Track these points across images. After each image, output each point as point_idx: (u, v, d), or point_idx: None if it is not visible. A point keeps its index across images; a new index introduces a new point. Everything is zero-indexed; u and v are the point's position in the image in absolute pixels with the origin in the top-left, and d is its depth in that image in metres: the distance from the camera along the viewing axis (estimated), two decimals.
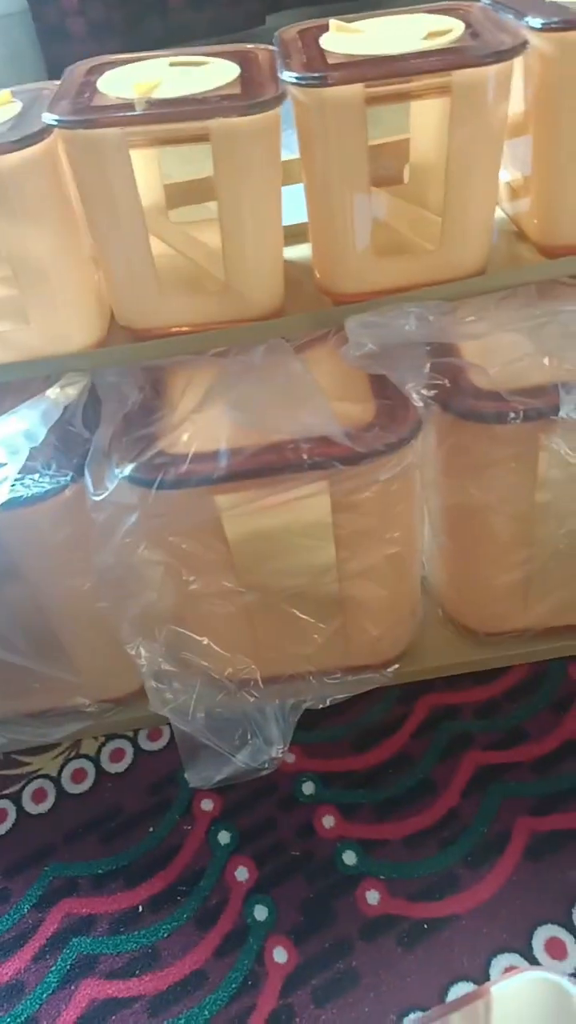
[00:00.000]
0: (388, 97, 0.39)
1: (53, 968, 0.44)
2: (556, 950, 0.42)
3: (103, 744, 0.54)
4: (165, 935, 0.45)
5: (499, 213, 0.48)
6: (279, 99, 0.36)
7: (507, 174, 0.46)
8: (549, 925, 0.43)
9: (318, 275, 0.43)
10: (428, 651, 0.55)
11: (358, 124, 0.37)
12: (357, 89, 0.35)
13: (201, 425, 0.42)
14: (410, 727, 0.53)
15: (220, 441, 0.41)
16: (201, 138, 0.37)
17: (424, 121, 0.44)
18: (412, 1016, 0.32)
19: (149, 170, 0.45)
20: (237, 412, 0.42)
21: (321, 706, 0.52)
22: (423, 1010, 0.41)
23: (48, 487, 0.41)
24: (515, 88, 0.42)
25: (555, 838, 0.46)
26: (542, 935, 0.42)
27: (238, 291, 0.41)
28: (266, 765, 0.50)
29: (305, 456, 0.40)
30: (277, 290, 0.43)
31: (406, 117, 0.46)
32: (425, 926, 0.43)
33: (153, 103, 0.36)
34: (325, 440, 0.40)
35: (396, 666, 0.54)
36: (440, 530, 0.50)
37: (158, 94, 0.37)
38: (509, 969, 0.42)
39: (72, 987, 0.43)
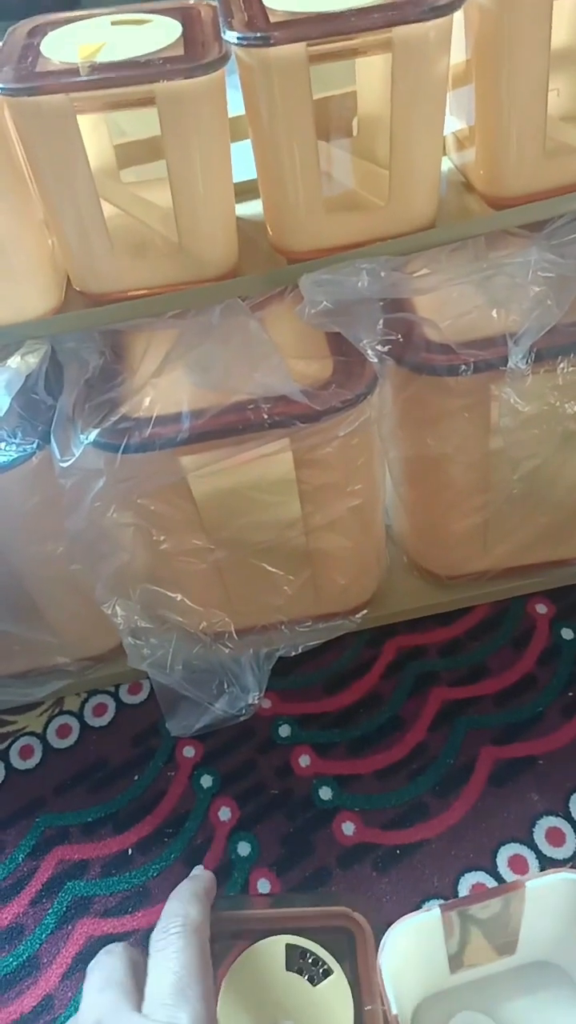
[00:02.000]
0: (331, 55, 0.39)
1: (50, 911, 0.47)
2: (519, 866, 0.45)
3: (86, 700, 0.56)
4: (155, 874, 0.48)
5: (448, 165, 0.49)
6: (223, 60, 0.36)
7: (454, 125, 0.47)
8: (512, 844, 0.46)
9: (271, 233, 0.44)
10: (394, 596, 0.57)
11: (302, 82, 0.37)
12: (299, 48, 0.36)
13: (162, 388, 0.43)
14: (379, 669, 0.55)
15: (182, 403, 0.42)
16: (148, 101, 0.37)
17: (369, 74, 0.44)
18: (436, 901, 0.36)
19: (98, 132, 0.45)
20: (197, 374, 0.43)
21: (294, 653, 0.54)
22: None
23: (15, 455, 0.42)
24: (458, 38, 0.42)
25: (516, 764, 0.49)
26: (506, 853, 0.46)
27: (191, 252, 0.41)
28: (243, 711, 0.53)
29: (265, 416, 0.41)
30: (231, 250, 0.43)
31: (353, 70, 0.46)
32: (398, 852, 0.47)
33: (97, 67, 0.36)
34: (284, 399, 0.41)
35: (364, 612, 0.56)
36: (400, 480, 0.51)
37: (102, 57, 0.37)
38: (476, 886, 0.45)
39: (69, 927, 0.46)
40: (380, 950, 0.35)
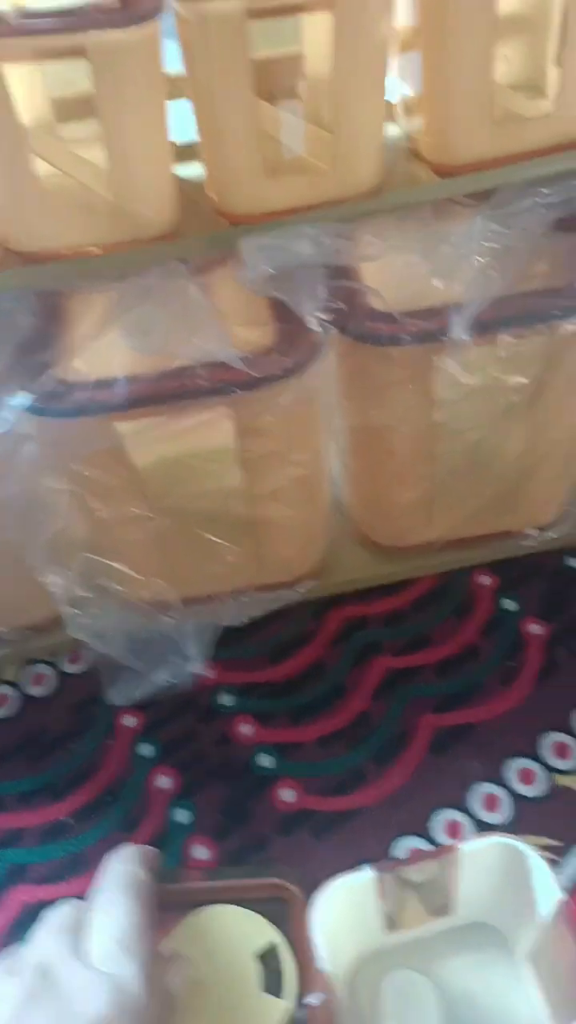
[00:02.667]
0: (271, 10, 0.38)
1: None
2: (454, 832, 0.46)
3: (24, 669, 0.55)
4: (92, 843, 0.48)
5: (397, 131, 0.48)
6: (157, 10, 0.35)
7: (402, 91, 0.46)
8: (447, 810, 0.47)
9: (213, 195, 0.43)
10: (341, 567, 0.58)
11: (239, 37, 0.36)
12: (235, 2, 0.34)
13: (98, 351, 0.42)
14: (324, 638, 0.55)
15: (118, 368, 0.41)
16: (80, 52, 0.35)
17: (314, 34, 0.43)
18: (371, 864, 0.36)
19: (31, 83, 0.43)
20: (135, 338, 0.42)
21: (238, 624, 0.54)
22: None
23: None
24: (406, 2, 0.41)
25: (454, 732, 0.49)
26: (442, 819, 0.46)
27: (127, 211, 0.40)
28: (185, 681, 0.53)
29: (203, 382, 0.40)
30: (170, 210, 0.42)
31: (300, 30, 0.45)
32: (336, 818, 0.47)
33: (27, 14, 0.35)
34: (223, 365, 0.40)
35: (310, 582, 0.56)
36: (345, 451, 0.51)
37: (33, 4, 0.36)
38: (412, 851, 0.46)
39: (4, 894, 0.46)
40: (312, 909, 0.36)
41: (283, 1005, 0.35)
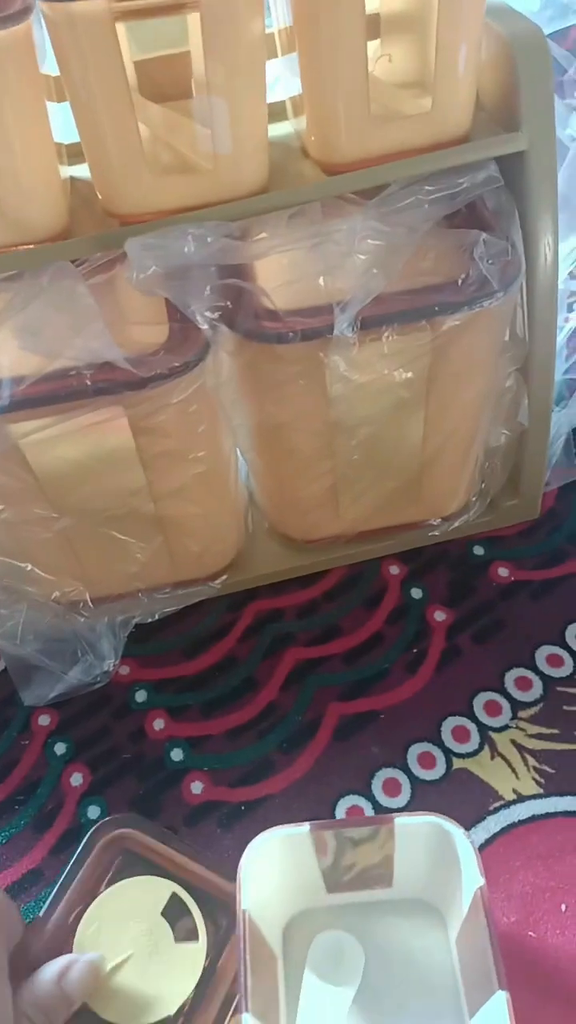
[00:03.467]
0: (139, 12, 0.38)
1: None
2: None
3: None
4: (3, 841, 0.48)
5: (287, 130, 0.49)
6: (25, 12, 0.35)
7: (290, 89, 0.47)
8: (351, 795, 0.48)
9: (100, 196, 0.43)
10: (254, 561, 0.58)
11: (109, 39, 0.36)
12: (101, 4, 0.35)
13: None
14: (237, 632, 0.56)
15: (5, 369, 0.41)
16: None
17: (197, 33, 0.44)
18: (316, 822, 0.38)
19: None
20: (24, 338, 0.42)
21: (150, 620, 0.54)
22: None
23: None
24: (284, 1, 0.42)
25: (359, 719, 0.51)
26: (344, 804, 0.48)
27: (13, 213, 0.40)
28: (99, 679, 0.53)
29: (88, 382, 0.41)
30: (57, 212, 0.42)
31: (185, 29, 0.45)
32: (243, 808, 0.48)
33: None
34: (109, 365, 0.41)
35: (224, 577, 0.57)
36: (248, 447, 0.52)
37: None
38: (348, 810, 0.47)
39: None
40: (246, 852, 0.37)
41: (198, 947, 0.38)
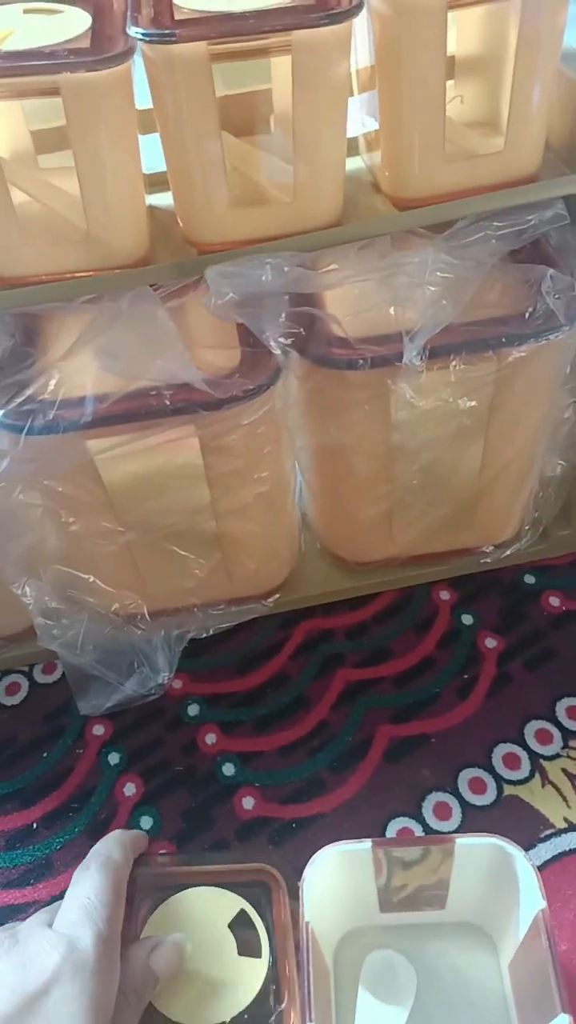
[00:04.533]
0: (235, 54, 0.40)
1: None
2: None
3: None
4: (58, 847, 0.49)
5: (360, 164, 0.50)
6: (127, 54, 0.37)
7: (365, 127, 0.48)
8: (401, 817, 0.48)
9: (180, 224, 0.45)
10: (306, 581, 0.59)
11: (204, 79, 0.38)
12: (201, 47, 0.37)
13: (70, 372, 0.44)
14: (288, 650, 0.57)
15: (88, 387, 0.43)
16: (54, 91, 0.37)
17: (282, 72, 0.46)
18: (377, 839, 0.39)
19: (10, 117, 0.46)
20: (105, 359, 0.44)
21: (205, 635, 0.55)
22: (291, 899, 0.46)
23: None
24: (365, 42, 0.44)
25: (410, 742, 0.51)
26: (395, 826, 0.48)
27: (100, 240, 0.42)
28: (153, 691, 0.54)
29: (167, 402, 0.42)
30: (140, 239, 0.44)
31: (268, 68, 0.47)
32: (293, 825, 0.49)
33: (3, 56, 0.37)
34: (187, 386, 0.42)
35: (276, 596, 0.58)
36: (308, 469, 0.53)
37: (10, 46, 0.38)
38: (402, 830, 0.47)
39: None
40: (309, 865, 0.38)
41: (261, 963, 0.39)
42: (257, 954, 0.39)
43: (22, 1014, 0.32)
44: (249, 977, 0.38)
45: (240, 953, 0.39)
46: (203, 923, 0.40)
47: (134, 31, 0.37)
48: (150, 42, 0.37)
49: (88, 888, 0.37)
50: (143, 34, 0.37)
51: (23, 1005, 0.32)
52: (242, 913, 0.40)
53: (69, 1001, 0.32)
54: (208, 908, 0.40)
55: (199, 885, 0.42)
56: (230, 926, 0.40)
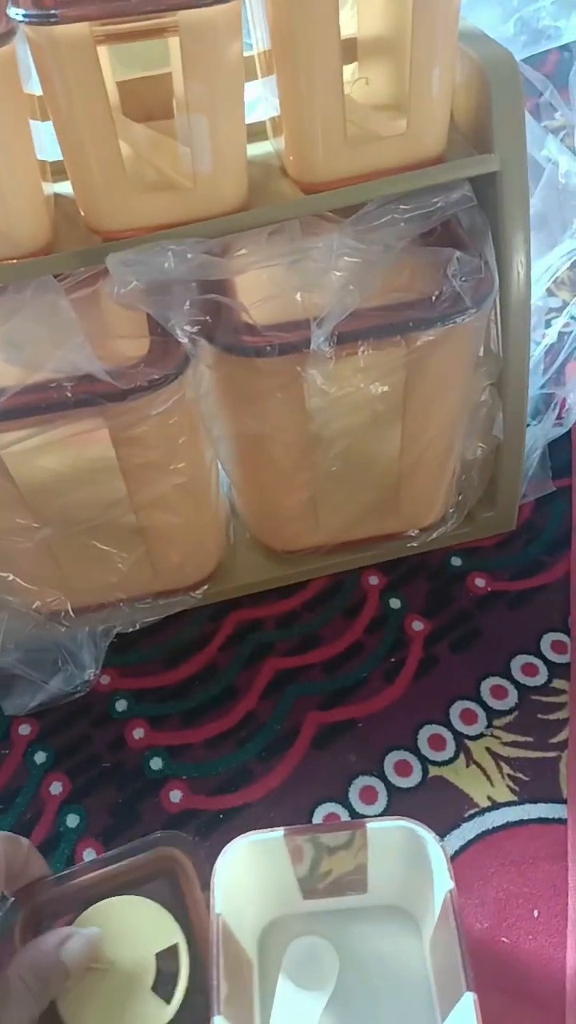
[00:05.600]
0: (122, 35, 0.39)
1: None
2: None
3: None
4: None
5: (268, 149, 0.50)
6: (7, 36, 0.36)
7: (270, 110, 0.48)
8: (328, 803, 0.48)
9: (82, 212, 0.44)
10: (235, 571, 0.59)
11: (91, 61, 0.37)
12: (84, 28, 0.36)
13: None
14: (218, 642, 0.57)
15: None
16: None
17: (179, 55, 0.45)
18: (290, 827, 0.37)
19: None
20: (6, 351, 0.43)
21: (131, 629, 0.55)
22: None
23: None
24: (263, 25, 0.43)
25: (337, 728, 0.51)
26: (322, 812, 0.48)
27: None
28: (79, 689, 0.54)
29: (69, 394, 0.41)
30: (41, 228, 0.43)
31: (167, 51, 0.46)
32: (220, 816, 0.48)
33: None
34: (90, 378, 0.42)
35: (205, 587, 0.57)
36: (228, 459, 0.52)
37: None
38: (325, 817, 0.47)
39: None
40: (220, 856, 0.37)
41: (168, 1010, 0.35)
42: (169, 999, 0.36)
43: None
44: (153, 1018, 0.35)
45: (154, 988, 0.36)
46: (132, 939, 0.37)
47: (14, 12, 0.36)
48: (30, 23, 0.36)
49: None
50: (25, 15, 0.36)
51: None
52: (173, 949, 0.37)
53: None
54: (141, 924, 0.38)
55: (107, 895, 0.39)
56: (157, 954, 0.37)
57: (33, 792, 0.50)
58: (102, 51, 0.38)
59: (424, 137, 0.45)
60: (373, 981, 0.40)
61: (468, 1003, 0.31)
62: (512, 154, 0.45)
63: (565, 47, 0.62)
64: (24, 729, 0.53)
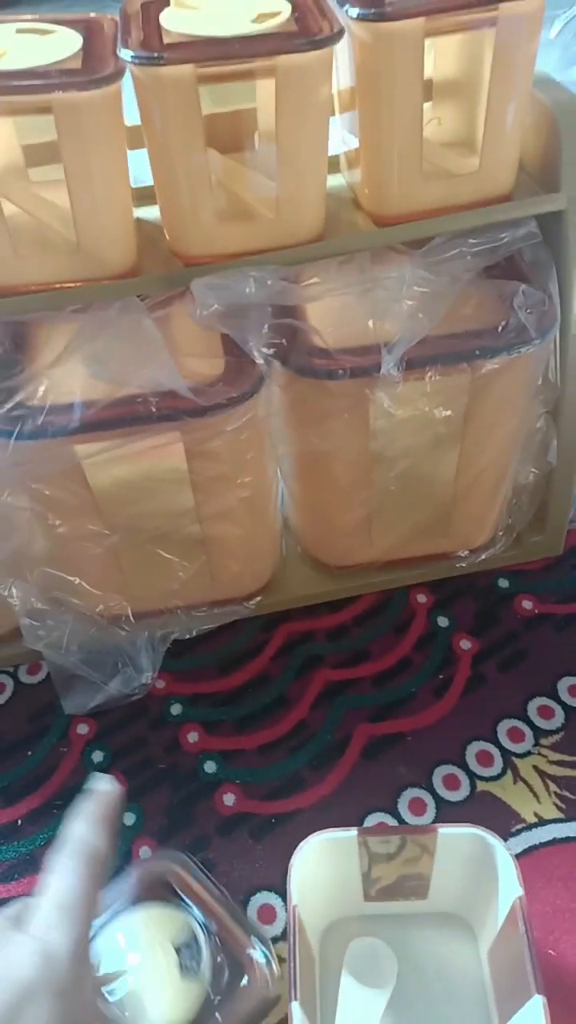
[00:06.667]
0: (221, 76, 0.41)
1: None
2: None
3: None
4: (42, 843, 0.50)
5: (341, 182, 0.52)
6: (117, 75, 0.39)
7: (346, 145, 0.50)
8: (378, 812, 0.50)
9: (168, 237, 0.46)
10: (288, 584, 0.61)
11: (191, 99, 0.39)
12: (188, 69, 0.38)
13: (58, 378, 0.45)
14: (270, 651, 0.58)
15: (76, 394, 0.44)
16: (46, 109, 0.39)
17: (266, 93, 0.47)
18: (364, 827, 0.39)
19: (2, 131, 0.47)
20: (92, 366, 0.45)
21: (188, 636, 0.57)
22: (269, 891, 0.47)
23: None
24: (346, 65, 0.46)
25: (387, 740, 0.53)
26: (371, 820, 0.49)
27: (89, 251, 0.44)
28: (136, 691, 0.55)
29: (154, 409, 0.44)
30: (128, 251, 0.46)
31: (254, 89, 0.49)
32: (273, 820, 0.50)
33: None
34: (172, 394, 0.44)
35: (258, 599, 0.59)
36: (290, 475, 0.55)
37: (3, 65, 0.39)
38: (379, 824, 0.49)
39: None
40: (296, 851, 0.38)
41: (197, 988, 0.38)
42: (198, 977, 0.38)
43: None
44: (188, 999, 0.38)
45: (182, 974, 0.38)
46: (151, 938, 0.39)
47: (124, 53, 0.38)
48: (140, 64, 0.38)
49: (66, 883, 0.33)
50: (133, 56, 0.38)
51: None
52: (190, 934, 0.39)
53: (43, 1019, 0.29)
54: (159, 924, 0.40)
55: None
56: (176, 945, 0.39)
57: None
58: (200, 89, 0.41)
59: (495, 176, 0.47)
60: (430, 984, 0.41)
61: (537, 1005, 0.33)
62: None
63: None
64: (82, 729, 0.55)
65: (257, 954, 0.38)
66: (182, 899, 0.41)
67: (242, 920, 0.40)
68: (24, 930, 0.32)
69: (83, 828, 0.35)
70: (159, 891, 0.41)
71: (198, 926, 0.40)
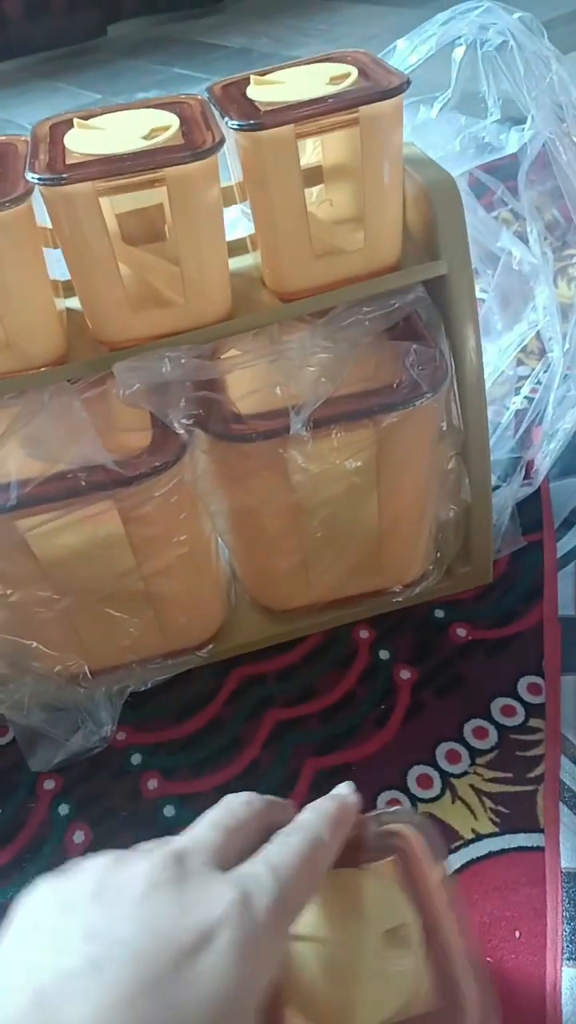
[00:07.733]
0: (120, 188, 0.46)
1: None
2: None
3: None
4: (10, 898, 0.53)
5: (250, 261, 0.57)
6: (27, 195, 0.44)
7: (250, 229, 0.55)
8: None
9: (90, 326, 0.51)
10: (237, 630, 0.65)
11: (94, 209, 0.44)
12: (88, 186, 0.43)
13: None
14: (223, 696, 0.62)
15: (12, 474, 0.48)
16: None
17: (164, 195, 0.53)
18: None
19: None
20: (29, 447, 0.50)
21: (144, 688, 0.60)
22: None
23: None
24: (236, 161, 0.51)
25: (334, 771, 0.56)
26: None
27: (19, 345, 0.48)
28: (97, 744, 0.59)
29: (84, 482, 0.48)
30: (56, 341, 0.50)
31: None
32: None
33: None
34: (102, 467, 0.48)
35: (210, 647, 0.63)
36: (224, 530, 0.59)
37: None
38: None
39: None
40: None
41: (398, 994, 0.33)
42: (405, 967, 0.33)
43: (159, 978, 0.26)
44: (397, 985, 0.33)
45: (389, 964, 0.33)
46: (359, 915, 0.34)
47: (30, 176, 0.44)
48: (45, 185, 0.43)
49: (283, 853, 0.31)
50: (38, 178, 0.43)
51: (167, 965, 0.26)
52: (403, 927, 0.34)
53: (219, 969, 0.26)
54: (371, 901, 0.34)
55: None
56: (385, 934, 0.34)
57: (58, 842, 0.55)
58: (103, 199, 0.46)
59: (380, 249, 0.52)
60: None
61: None
62: (457, 258, 0.52)
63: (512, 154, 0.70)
64: (49, 784, 0.58)
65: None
66: (408, 880, 0.35)
67: (467, 934, 0.34)
68: (225, 871, 0.30)
69: (315, 819, 0.34)
70: (386, 856, 0.36)
71: (417, 924, 0.34)
